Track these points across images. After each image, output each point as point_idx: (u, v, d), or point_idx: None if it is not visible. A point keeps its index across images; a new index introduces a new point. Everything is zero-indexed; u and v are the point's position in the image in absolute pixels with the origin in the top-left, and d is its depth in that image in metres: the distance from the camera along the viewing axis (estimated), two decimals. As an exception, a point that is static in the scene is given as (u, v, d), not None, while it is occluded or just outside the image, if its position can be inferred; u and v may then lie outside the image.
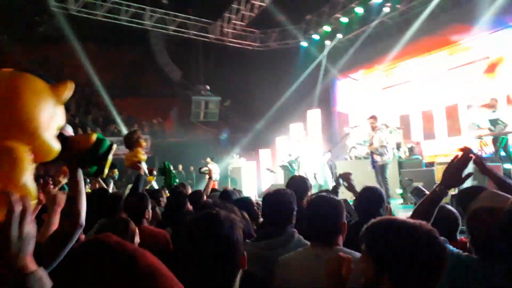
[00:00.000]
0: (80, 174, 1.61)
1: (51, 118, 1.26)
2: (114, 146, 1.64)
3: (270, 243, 2.11)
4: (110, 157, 1.63)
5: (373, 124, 7.93)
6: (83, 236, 2.05)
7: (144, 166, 4.13)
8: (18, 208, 0.86)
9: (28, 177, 1.20)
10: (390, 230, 1.28)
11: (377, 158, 7.62)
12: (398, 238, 1.24)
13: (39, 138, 1.23)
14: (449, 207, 2.63)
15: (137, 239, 2.13)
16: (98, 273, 0.80)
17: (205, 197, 4.36)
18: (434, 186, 1.77)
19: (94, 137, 1.57)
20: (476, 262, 1.54)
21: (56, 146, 1.31)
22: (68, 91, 1.33)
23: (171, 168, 4.84)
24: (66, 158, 1.54)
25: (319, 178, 11.28)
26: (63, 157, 1.53)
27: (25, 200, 0.88)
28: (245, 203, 3.09)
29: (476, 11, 10.18)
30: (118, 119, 16.22)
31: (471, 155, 1.77)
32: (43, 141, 1.25)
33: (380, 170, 7.61)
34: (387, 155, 7.62)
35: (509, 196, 1.59)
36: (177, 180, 4.95)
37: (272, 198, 2.31)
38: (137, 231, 2.33)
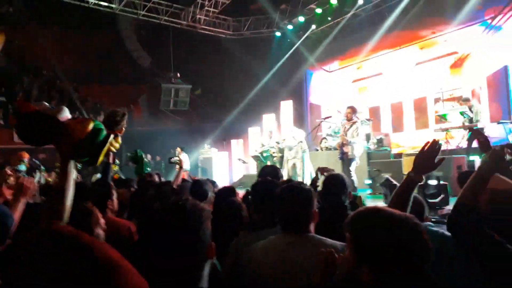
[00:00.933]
0: (71, 165, 1.49)
1: None
2: (112, 136, 1.53)
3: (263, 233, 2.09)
4: (106, 146, 1.53)
5: (349, 114, 7.96)
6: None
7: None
8: None
9: None
10: (375, 222, 1.27)
11: (347, 149, 7.66)
12: (384, 231, 1.23)
13: None
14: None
15: (99, 231, 1.99)
16: (54, 264, 0.77)
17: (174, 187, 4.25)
18: (407, 173, 1.83)
19: (90, 125, 1.45)
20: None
21: None
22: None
23: (143, 156, 4.68)
24: (58, 146, 1.43)
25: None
26: (56, 145, 1.42)
27: None
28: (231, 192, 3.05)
29: (447, 6, 10.40)
30: (81, 106, 15.67)
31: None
32: None
33: (347, 162, 7.68)
34: (358, 149, 7.69)
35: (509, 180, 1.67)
36: (148, 169, 4.80)
37: (261, 187, 2.37)
38: (102, 221, 2.21)
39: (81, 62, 17.18)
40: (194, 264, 1.25)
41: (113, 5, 13.66)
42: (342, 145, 7.82)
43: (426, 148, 1.82)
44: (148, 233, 1.29)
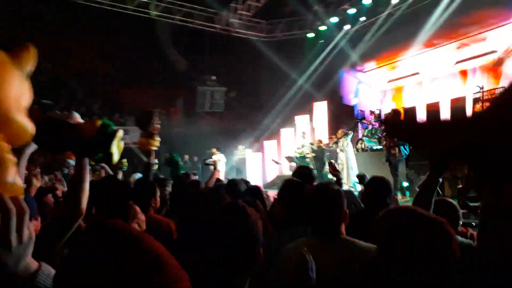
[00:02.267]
0: (86, 162, 1.58)
1: (20, 95, 1.03)
2: (120, 132, 1.61)
3: (288, 233, 2.11)
4: (122, 144, 1.62)
5: (391, 117, 7.96)
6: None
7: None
8: (13, 214, 0.80)
9: (13, 172, 1.02)
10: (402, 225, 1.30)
11: (394, 151, 7.61)
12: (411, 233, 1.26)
13: (12, 122, 1.00)
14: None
15: (136, 226, 2.12)
16: (104, 256, 0.79)
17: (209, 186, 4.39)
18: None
19: (98, 123, 1.55)
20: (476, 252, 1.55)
21: (30, 127, 1.09)
22: (32, 57, 1.09)
23: (179, 159, 4.84)
24: (71, 146, 1.53)
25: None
26: (69, 146, 1.52)
27: (19, 202, 0.82)
28: (255, 192, 3.10)
29: (485, 2, 9.96)
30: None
31: None
32: (17, 125, 1.02)
33: (394, 163, 7.61)
34: (405, 150, 7.60)
35: None
36: (182, 172, 4.94)
37: (289, 186, 2.35)
38: (142, 217, 2.34)
39: (120, 66, 17.80)
40: (244, 267, 1.21)
41: (150, 11, 14.11)
42: (388, 146, 7.76)
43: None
44: (194, 234, 1.25)
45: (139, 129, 4.09)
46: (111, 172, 4.87)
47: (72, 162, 4.96)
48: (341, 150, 9.97)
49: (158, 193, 2.95)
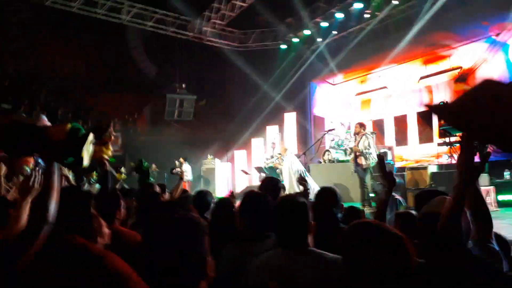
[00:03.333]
0: (55, 167, 1.51)
1: None
2: (91, 136, 1.55)
3: (254, 246, 2.08)
4: (91, 148, 1.55)
5: (357, 129, 8.14)
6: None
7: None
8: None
9: None
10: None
11: (361, 161, 7.74)
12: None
13: None
14: None
15: (101, 240, 1.99)
16: (65, 275, 0.78)
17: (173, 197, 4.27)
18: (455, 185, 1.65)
19: (68, 126, 1.48)
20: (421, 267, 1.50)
21: None
22: None
23: (146, 165, 4.64)
24: (40, 150, 1.46)
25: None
26: (37, 150, 1.45)
27: None
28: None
29: (452, 21, 10.40)
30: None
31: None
32: None
33: (361, 173, 7.75)
34: (372, 160, 7.73)
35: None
36: (152, 179, 4.78)
37: (251, 200, 2.32)
38: (106, 230, 2.22)
39: (88, 71, 17.36)
40: (189, 281, 1.19)
41: (121, 16, 13.86)
42: (355, 157, 7.91)
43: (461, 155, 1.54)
44: (146, 246, 1.24)
45: (93, 137, 3.96)
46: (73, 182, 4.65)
47: (28, 169, 4.73)
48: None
49: (123, 204, 2.83)
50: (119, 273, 0.80)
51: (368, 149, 7.72)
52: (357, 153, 7.81)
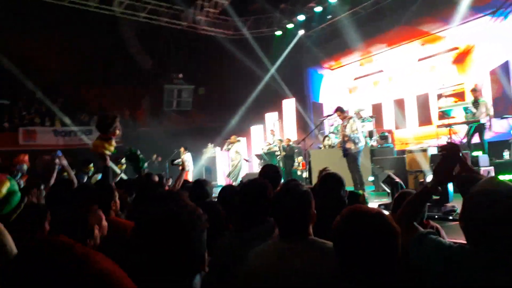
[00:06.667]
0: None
1: None
2: (25, 200, 1.55)
3: (249, 234, 2.07)
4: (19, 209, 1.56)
5: (340, 116, 8.00)
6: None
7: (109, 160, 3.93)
8: None
9: None
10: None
11: (350, 145, 7.59)
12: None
13: None
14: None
15: (97, 232, 1.98)
16: (49, 274, 0.77)
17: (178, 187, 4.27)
18: (425, 183, 1.81)
19: (5, 189, 1.47)
20: (471, 253, 1.41)
21: None
22: None
23: (138, 152, 4.54)
24: None
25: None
26: None
27: None
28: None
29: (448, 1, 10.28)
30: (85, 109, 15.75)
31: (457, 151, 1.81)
32: None
33: (352, 158, 7.62)
34: (361, 143, 7.63)
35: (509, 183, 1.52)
36: (146, 165, 4.67)
37: (246, 189, 2.30)
38: (104, 223, 2.22)
39: (83, 65, 17.23)
40: (183, 275, 1.17)
41: (114, 8, 13.70)
42: (343, 142, 7.77)
43: (444, 158, 1.80)
44: (139, 240, 1.19)
45: (98, 132, 3.95)
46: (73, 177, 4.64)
47: (25, 167, 4.72)
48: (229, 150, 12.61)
49: (117, 195, 2.84)
50: (103, 274, 0.79)
51: (356, 133, 7.57)
52: (346, 138, 7.66)
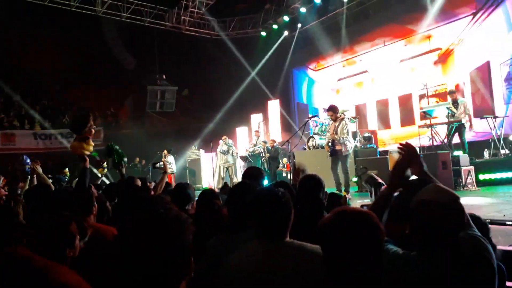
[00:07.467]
0: None
1: None
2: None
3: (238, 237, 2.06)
4: None
5: (332, 116, 7.83)
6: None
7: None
8: None
9: None
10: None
11: (340, 147, 7.53)
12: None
13: None
14: None
15: (77, 242, 1.90)
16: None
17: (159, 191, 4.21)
18: (383, 188, 1.85)
19: None
20: (414, 257, 1.55)
21: None
22: None
23: (116, 147, 4.35)
24: None
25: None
26: None
27: None
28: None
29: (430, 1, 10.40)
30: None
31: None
32: None
33: (342, 159, 7.57)
34: (350, 145, 7.62)
35: (449, 189, 1.61)
36: (125, 159, 4.48)
37: (236, 191, 2.30)
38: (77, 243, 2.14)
39: (66, 65, 16.96)
40: (170, 280, 1.17)
41: (96, 8, 13.51)
42: (332, 143, 7.65)
43: (399, 162, 1.87)
44: (124, 245, 1.21)
45: (73, 133, 3.87)
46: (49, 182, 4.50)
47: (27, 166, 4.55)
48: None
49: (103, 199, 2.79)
50: (64, 286, 0.76)
51: (347, 136, 7.54)
52: (336, 139, 7.56)
